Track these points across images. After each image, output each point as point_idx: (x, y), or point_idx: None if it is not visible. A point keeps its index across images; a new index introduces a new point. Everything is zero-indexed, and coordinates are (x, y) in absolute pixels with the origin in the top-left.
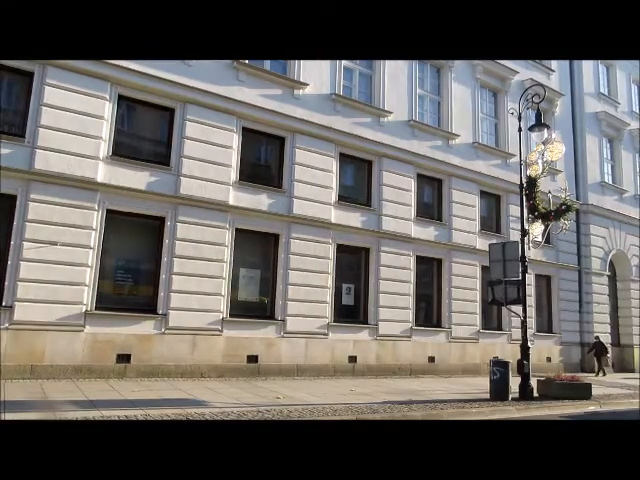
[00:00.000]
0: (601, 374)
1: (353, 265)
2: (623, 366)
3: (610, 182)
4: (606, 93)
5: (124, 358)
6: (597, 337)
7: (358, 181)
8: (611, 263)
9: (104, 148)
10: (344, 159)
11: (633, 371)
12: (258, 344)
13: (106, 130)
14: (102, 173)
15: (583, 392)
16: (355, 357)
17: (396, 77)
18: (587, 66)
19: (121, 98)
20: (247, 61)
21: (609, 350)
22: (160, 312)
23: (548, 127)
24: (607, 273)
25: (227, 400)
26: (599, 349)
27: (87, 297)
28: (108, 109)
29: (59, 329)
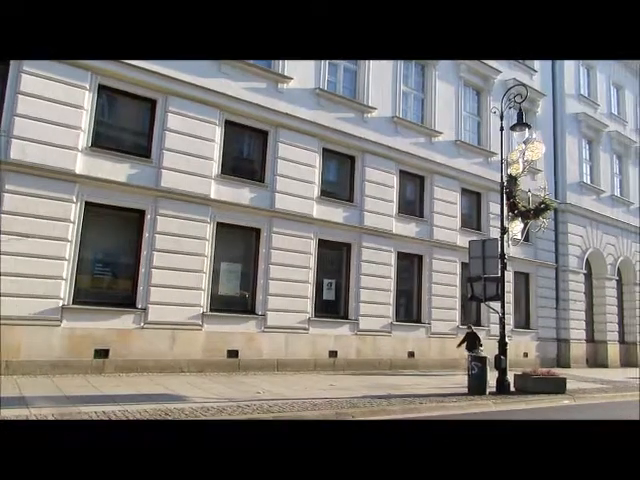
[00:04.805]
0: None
1: (334, 260)
2: (597, 362)
3: (588, 182)
4: (586, 95)
5: (102, 353)
6: (469, 327)
7: (341, 177)
8: (587, 261)
9: (83, 139)
10: (327, 154)
11: (607, 366)
12: (239, 339)
13: (86, 120)
14: (81, 164)
15: (558, 386)
16: (336, 352)
17: (380, 73)
18: (568, 67)
19: (102, 88)
20: None
21: (482, 342)
22: (139, 306)
23: (529, 127)
24: (583, 271)
25: (207, 395)
26: (471, 341)
27: (64, 291)
28: (88, 99)
29: (35, 324)
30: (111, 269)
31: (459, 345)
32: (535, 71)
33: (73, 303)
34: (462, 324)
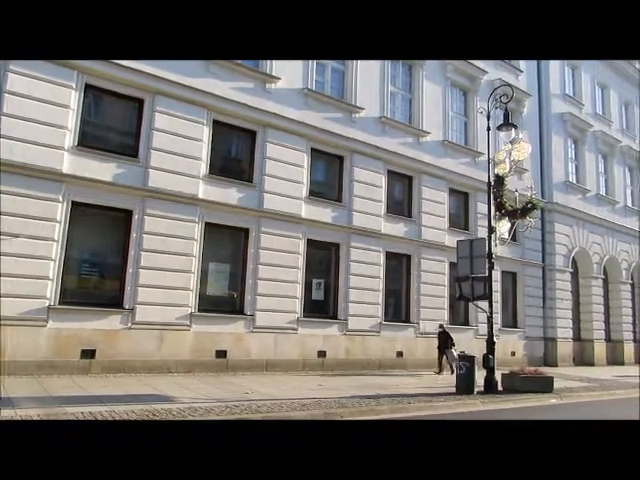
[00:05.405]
0: (445, 372)
1: (323, 260)
2: (584, 360)
3: (574, 182)
4: (571, 94)
5: (89, 354)
6: (441, 326)
7: (329, 176)
8: (574, 260)
9: (70, 138)
10: (315, 154)
11: (593, 365)
12: (227, 339)
13: (72, 120)
14: (68, 164)
15: (545, 385)
16: (324, 352)
17: (368, 73)
18: (554, 67)
19: (88, 87)
20: None
21: (455, 342)
22: (127, 307)
23: (515, 127)
24: (570, 270)
25: (195, 395)
26: (443, 340)
27: (51, 291)
28: (75, 98)
29: (21, 324)
30: (98, 269)
31: (438, 348)
32: (521, 71)
33: (59, 303)
34: (450, 324)
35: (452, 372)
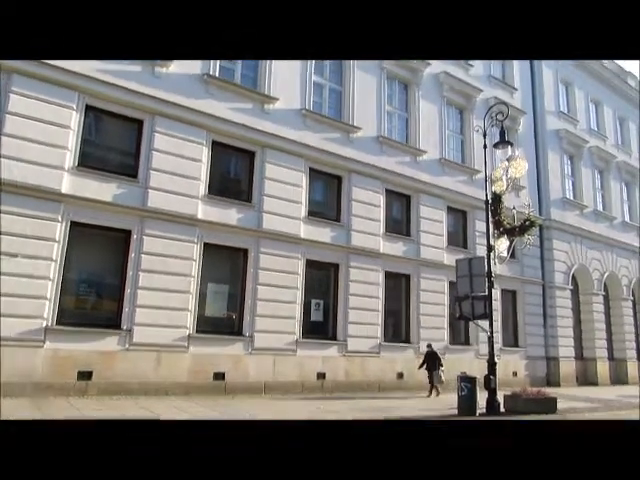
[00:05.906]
0: (434, 393)
1: (322, 281)
2: (587, 380)
3: (571, 198)
4: (566, 111)
5: (86, 375)
6: (429, 345)
7: (328, 196)
8: (574, 277)
9: (70, 159)
10: (314, 174)
11: (597, 384)
12: (225, 361)
13: (72, 140)
14: (67, 184)
15: (549, 406)
16: (324, 374)
17: (365, 93)
18: (548, 85)
19: (89, 108)
20: (217, 74)
21: (443, 362)
22: (124, 327)
23: (512, 144)
24: (570, 287)
25: (192, 419)
26: (431, 361)
27: (48, 311)
28: (75, 119)
29: (18, 344)
30: (96, 289)
31: (420, 366)
32: (515, 89)
33: (57, 324)
34: (451, 344)
35: (437, 394)
